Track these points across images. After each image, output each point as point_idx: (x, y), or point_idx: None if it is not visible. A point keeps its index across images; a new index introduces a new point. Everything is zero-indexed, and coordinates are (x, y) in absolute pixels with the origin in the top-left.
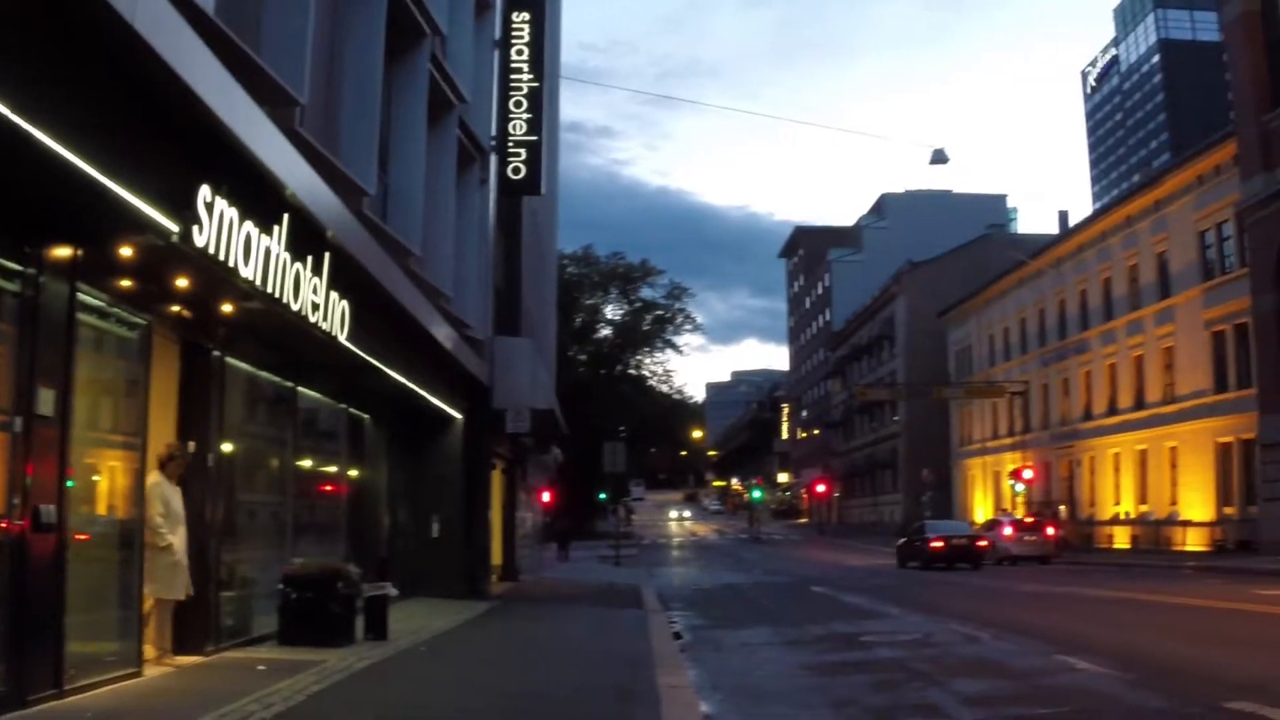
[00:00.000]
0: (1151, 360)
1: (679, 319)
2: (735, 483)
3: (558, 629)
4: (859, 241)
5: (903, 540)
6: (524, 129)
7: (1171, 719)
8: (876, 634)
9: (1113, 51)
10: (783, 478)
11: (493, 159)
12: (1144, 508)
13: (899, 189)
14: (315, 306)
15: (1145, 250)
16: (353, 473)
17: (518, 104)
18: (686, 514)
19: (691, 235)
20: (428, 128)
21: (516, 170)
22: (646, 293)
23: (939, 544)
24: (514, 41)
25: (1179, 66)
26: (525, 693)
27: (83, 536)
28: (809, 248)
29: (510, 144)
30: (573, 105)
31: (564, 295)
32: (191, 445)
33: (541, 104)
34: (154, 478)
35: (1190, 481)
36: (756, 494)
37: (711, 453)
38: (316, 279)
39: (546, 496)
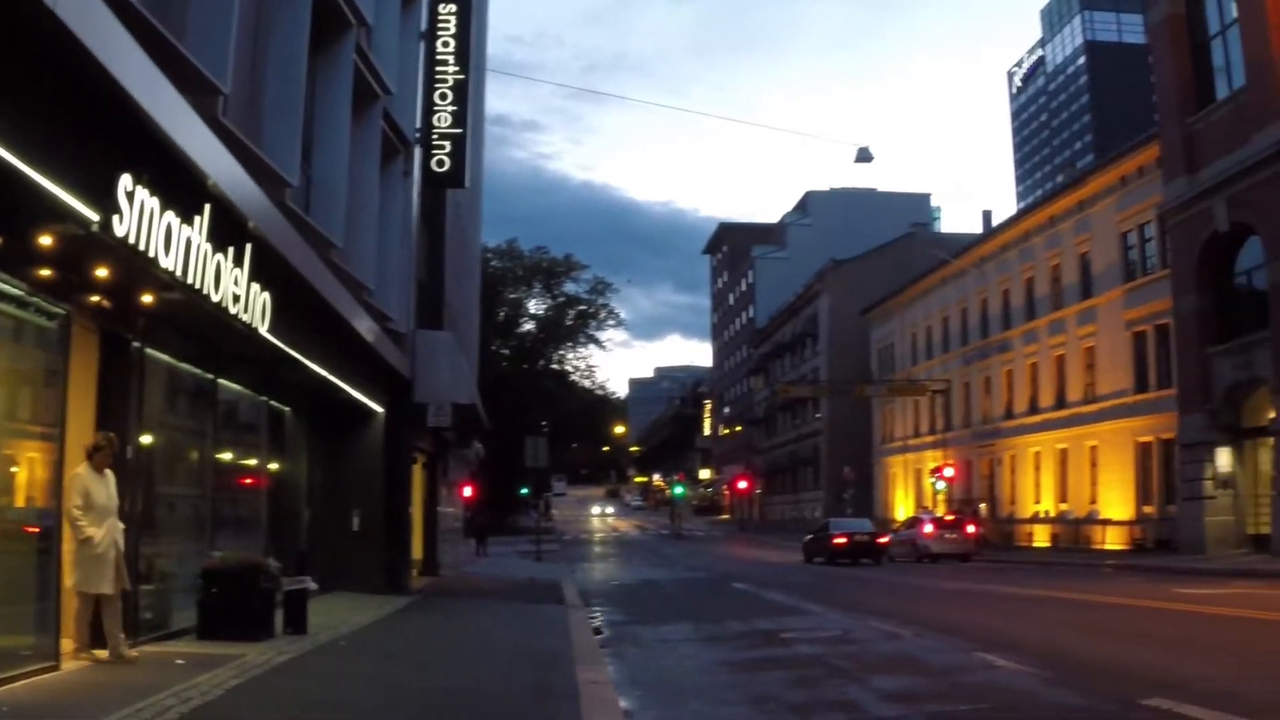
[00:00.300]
0: (1073, 360)
1: (602, 314)
2: (657, 479)
3: (478, 624)
4: (783, 239)
5: (809, 537)
6: (449, 121)
7: (1088, 716)
8: (797, 631)
9: (1039, 52)
10: (705, 474)
11: (417, 151)
12: (1064, 506)
13: (824, 187)
14: (236, 298)
15: (1068, 250)
16: (273, 466)
17: (443, 96)
18: (609, 510)
19: (616, 230)
20: (352, 119)
21: (441, 163)
22: (570, 287)
23: (842, 540)
24: (440, 33)
25: (1104, 68)
26: (444, 688)
27: None
28: (733, 244)
29: (435, 136)
30: (498, 98)
31: (487, 289)
32: (113, 437)
33: (467, 97)
34: (78, 469)
35: (1110, 480)
36: (678, 490)
37: (634, 448)
38: (238, 270)
39: (468, 491)
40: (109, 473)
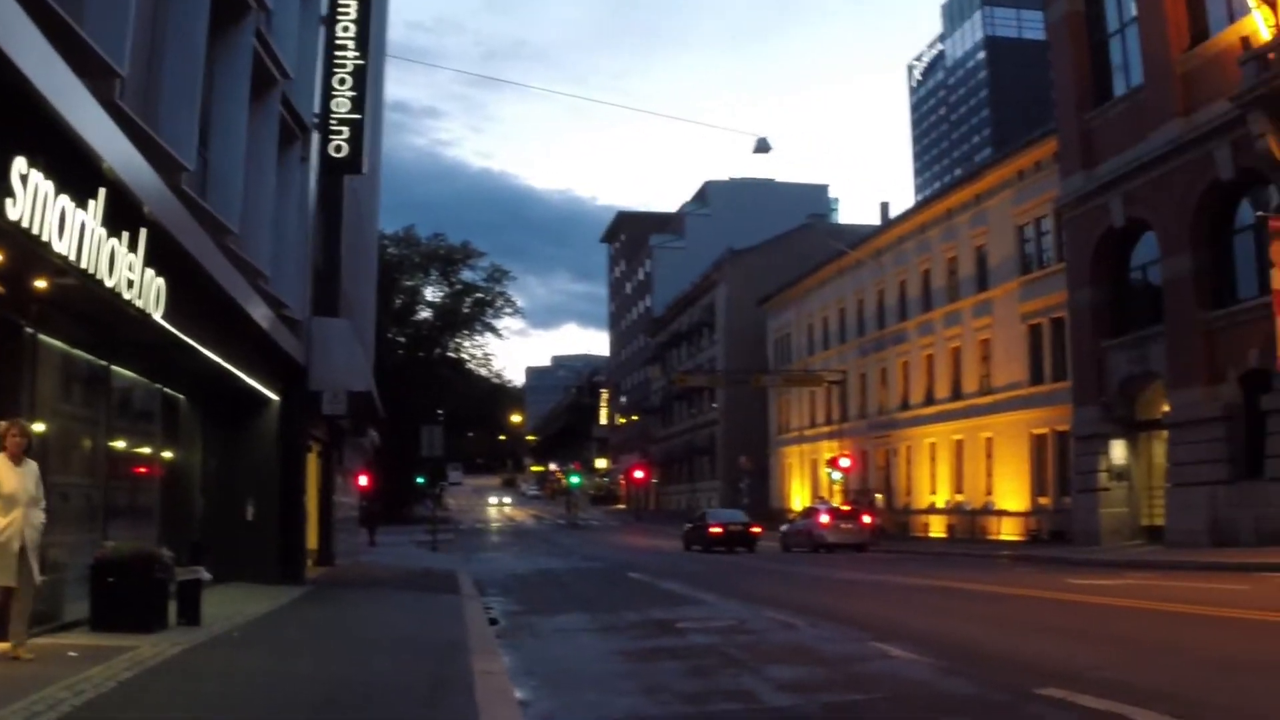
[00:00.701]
0: (969, 352)
1: (499, 302)
2: (554, 468)
3: (372, 614)
4: (681, 228)
5: (689, 526)
6: (348, 107)
7: (982, 705)
8: (692, 620)
9: (939, 46)
10: (601, 463)
11: (315, 137)
12: (960, 497)
13: (722, 177)
14: (130, 283)
15: (964, 243)
16: (167, 454)
17: (342, 81)
18: (505, 499)
19: (513, 218)
20: (250, 104)
21: (339, 149)
22: (467, 275)
23: (718, 529)
24: (340, 18)
25: (1004, 63)
26: (339, 679)
27: None
28: (631, 233)
29: (333, 122)
30: (398, 85)
31: (384, 276)
32: (24, 424)
33: (366, 82)
34: None
35: (1005, 472)
36: (574, 479)
37: (530, 437)
38: (132, 255)
39: (364, 480)
40: (29, 462)
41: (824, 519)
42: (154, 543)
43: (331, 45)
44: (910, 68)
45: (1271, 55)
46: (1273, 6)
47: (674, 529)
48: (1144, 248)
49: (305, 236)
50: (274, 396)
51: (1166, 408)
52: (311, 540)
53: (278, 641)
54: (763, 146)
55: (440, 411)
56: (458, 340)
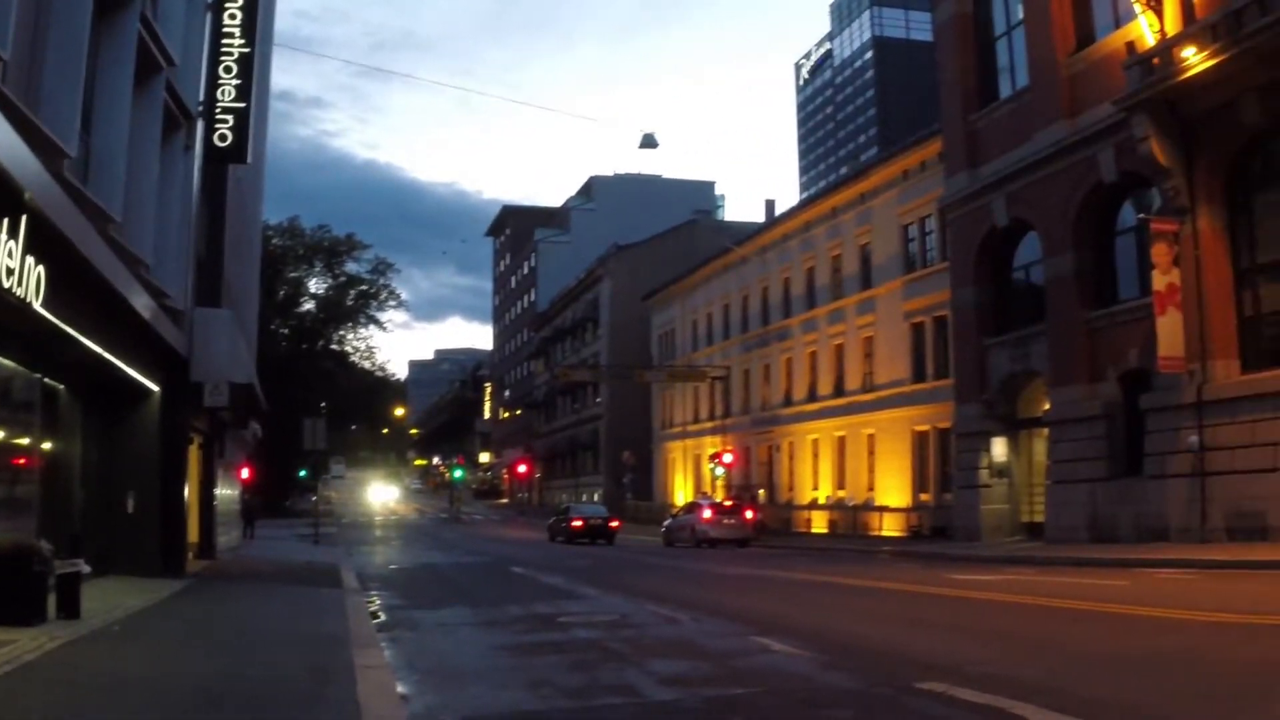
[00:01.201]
0: (852, 349)
1: (383, 295)
2: (437, 462)
3: (253, 608)
4: (566, 223)
5: (553, 519)
6: (233, 95)
7: (864, 699)
8: (575, 615)
9: (827, 45)
10: (485, 457)
11: (200, 125)
12: (842, 493)
13: (608, 172)
14: (10, 271)
15: (849, 241)
16: (46, 445)
17: (228, 69)
18: (388, 493)
19: (398, 210)
20: (134, 90)
21: (224, 137)
22: (352, 267)
23: (579, 523)
24: (228, 5)
25: (891, 63)
26: (220, 673)
27: None
28: (516, 227)
29: (218, 110)
30: (284, 74)
31: (268, 267)
32: None
33: (252, 70)
34: None
35: (887, 468)
36: (457, 473)
37: (414, 431)
38: (12, 242)
39: (245, 473)
40: None
41: (707, 514)
42: (32, 535)
43: (218, 33)
44: (798, 66)
45: (1156, 60)
46: (1158, 12)
47: None
48: (1026, 248)
49: (188, 226)
50: (155, 387)
51: (1047, 406)
52: (193, 533)
53: (158, 635)
54: (649, 142)
55: (323, 404)
56: (341, 333)
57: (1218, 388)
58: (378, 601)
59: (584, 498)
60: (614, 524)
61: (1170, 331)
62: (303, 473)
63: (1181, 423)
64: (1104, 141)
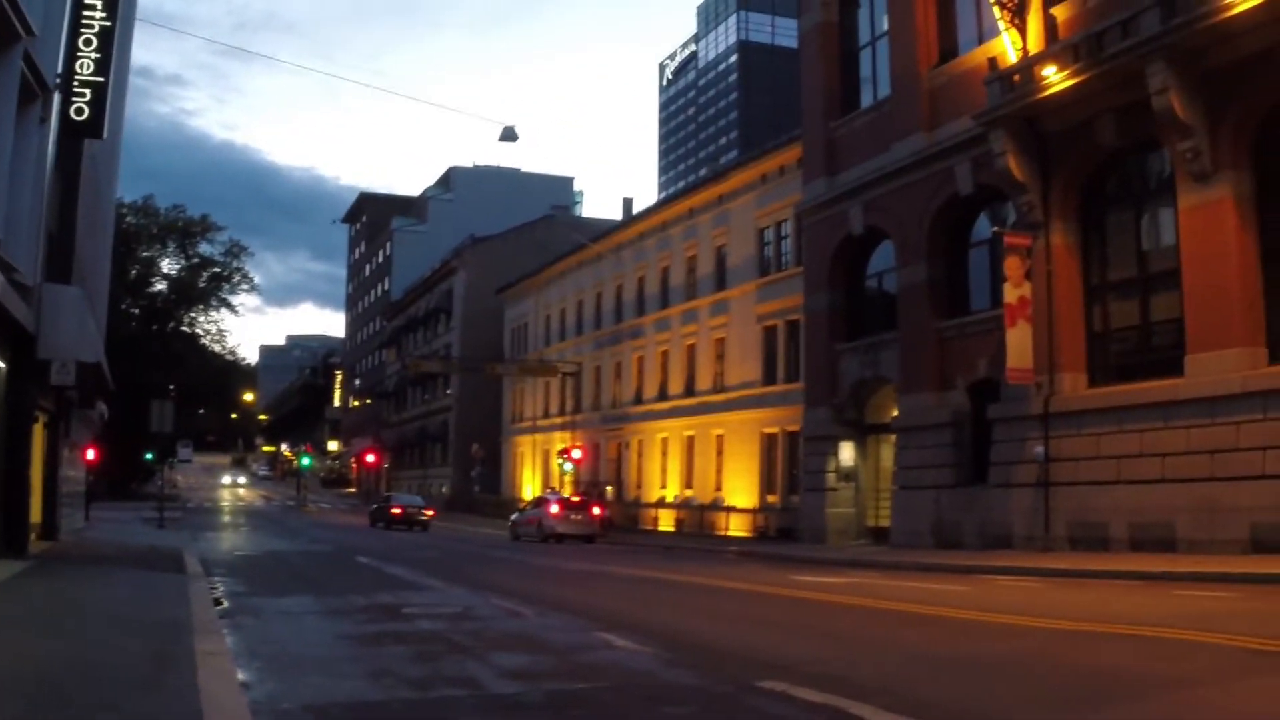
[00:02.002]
0: (704, 350)
1: (236, 278)
2: (285, 449)
3: (96, 591)
4: (424, 212)
5: (375, 507)
6: (92, 69)
7: (704, 696)
8: (418, 606)
9: (692, 47)
10: (333, 446)
11: (56, 97)
12: (689, 492)
13: (468, 163)
14: None
15: (705, 242)
16: None
17: (88, 42)
18: (235, 478)
19: (254, 193)
20: None
21: (80, 111)
22: (205, 249)
23: (398, 510)
24: None
25: (755, 68)
26: (57, 656)
27: None
28: (373, 215)
29: (76, 83)
30: (144, 49)
31: (120, 245)
32: None
33: (113, 44)
34: None
35: (735, 469)
36: (305, 461)
37: (262, 417)
38: None
39: (91, 454)
40: None
41: (554, 509)
42: None
43: (79, 4)
44: (662, 66)
45: (1017, 77)
46: (1021, 30)
47: None
48: (881, 256)
49: (40, 200)
50: (0, 364)
51: (896, 412)
52: (35, 514)
53: None
54: (509, 135)
55: (172, 387)
56: (193, 315)
57: (1064, 400)
58: (221, 587)
59: (432, 489)
60: (429, 513)
61: (1019, 344)
62: (149, 455)
63: (1028, 433)
64: (962, 154)
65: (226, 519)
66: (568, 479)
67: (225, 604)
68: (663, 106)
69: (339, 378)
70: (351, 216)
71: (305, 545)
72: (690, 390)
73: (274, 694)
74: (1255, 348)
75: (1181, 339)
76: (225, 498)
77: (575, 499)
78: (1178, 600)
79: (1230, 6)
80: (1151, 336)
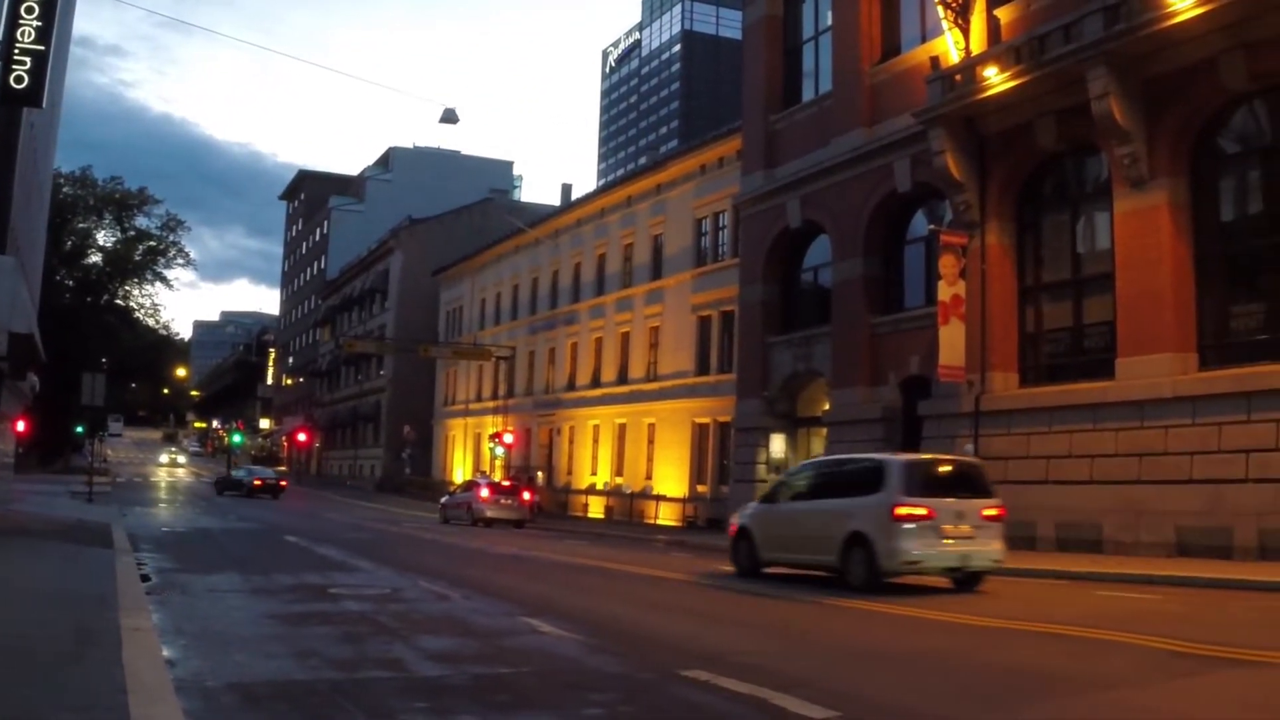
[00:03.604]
0: (638, 338)
1: (172, 252)
2: (217, 425)
3: (21, 564)
4: (362, 192)
5: (221, 477)
6: (33, 37)
7: (628, 684)
8: (346, 587)
9: (637, 35)
10: (265, 424)
11: None
12: (620, 480)
13: (408, 144)
14: None
15: (642, 231)
16: None
17: (29, 9)
18: (166, 454)
19: (191, 167)
20: None
21: (20, 79)
22: (142, 222)
23: (259, 482)
24: None
25: (699, 58)
26: None
27: None
28: (311, 193)
29: (16, 51)
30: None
31: (56, 216)
32: None
33: (55, 13)
34: None
35: (666, 458)
36: (236, 439)
37: (195, 393)
38: None
39: (21, 426)
40: None
41: (484, 493)
42: None
43: None
44: (606, 53)
45: (958, 77)
46: (965, 30)
47: (335, 494)
48: (817, 250)
49: None
50: None
51: (827, 406)
52: None
53: None
54: (449, 117)
55: (104, 360)
56: (127, 288)
57: (995, 399)
58: (148, 564)
59: (363, 470)
60: (283, 484)
61: (952, 341)
62: (80, 429)
63: (958, 431)
64: (901, 152)
65: (155, 494)
66: (499, 463)
67: (152, 580)
68: (605, 94)
69: (273, 355)
70: (290, 194)
71: (234, 523)
72: (623, 378)
73: (199, 672)
74: (1186, 353)
75: (1113, 342)
76: (155, 473)
77: (505, 484)
78: (1102, 601)
79: (1172, 15)
80: (1083, 339)
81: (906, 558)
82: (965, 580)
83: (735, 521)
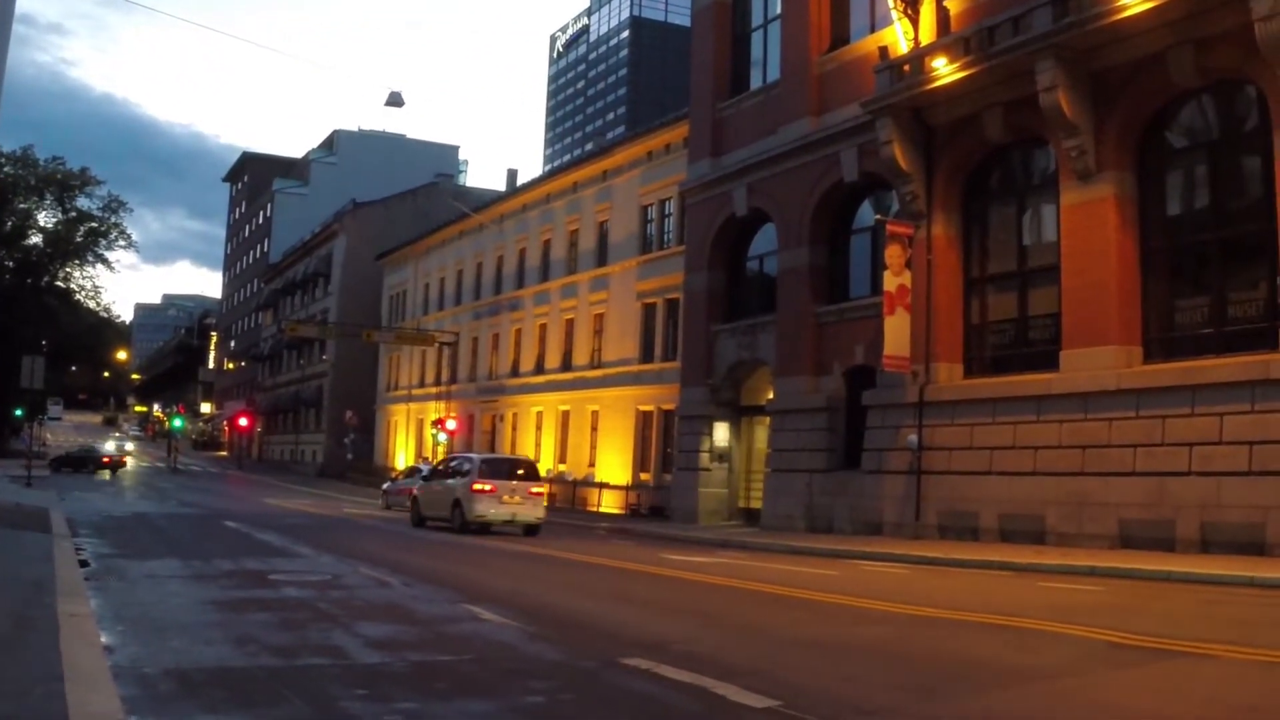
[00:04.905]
0: (582, 325)
1: (114, 233)
2: (158, 409)
3: None
4: (306, 175)
5: (63, 455)
6: None
7: (567, 671)
8: (286, 573)
9: (585, 20)
10: (206, 408)
11: None
12: (563, 467)
13: (353, 127)
14: None
15: (588, 217)
16: None
17: None
18: (106, 438)
19: (133, 148)
20: None
21: None
22: (84, 202)
23: (107, 460)
24: None
25: (647, 45)
26: None
27: None
28: (254, 175)
29: None
30: None
31: None
32: None
33: None
34: None
35: (610, 445)
36: (177, 423)
37: (135, 376)
38: None
39: None
40: None
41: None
42: None
43: None
44: (554, 38)
45: (906, 67)
46: (914, 21)
47: (276, 479)
48: (763, 238)
49: None
50: None
51: (771, 395)
52: None
53: None
54: (395, 100)
55: (44, 342)
56: (68, 270)
57: (939, 390)
58: (87, 549)
59: (305, 455)
60: (125, 460)
61: (897, 332)
62: (19, 412)
63: (902, 421)
64: (848, 141)
65: (95, 479)
66: (441, 449)
67: (91, 565)
68: (552, 79)
69: (214, 339)
70: (233, 176)
71: (174, 508)
72: (567, 365)
73: (137, 658)
74: (1130, 346)
75: (1058, 334)
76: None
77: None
78: (1044, 592)
79: (1121, 9)
80: (1028, 330)
81: (479, 514)
82: (526, 532)
83: (414, 491)
